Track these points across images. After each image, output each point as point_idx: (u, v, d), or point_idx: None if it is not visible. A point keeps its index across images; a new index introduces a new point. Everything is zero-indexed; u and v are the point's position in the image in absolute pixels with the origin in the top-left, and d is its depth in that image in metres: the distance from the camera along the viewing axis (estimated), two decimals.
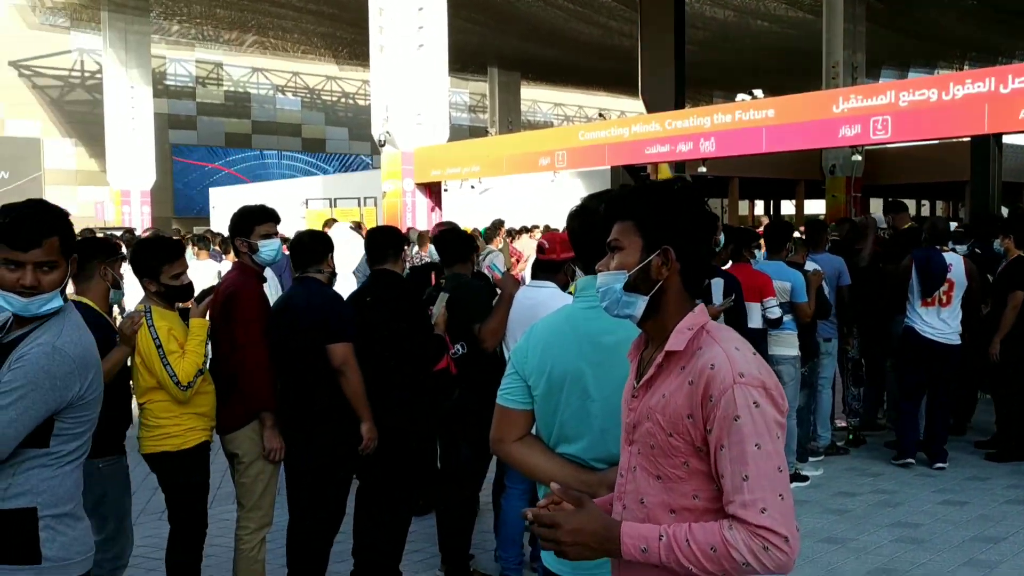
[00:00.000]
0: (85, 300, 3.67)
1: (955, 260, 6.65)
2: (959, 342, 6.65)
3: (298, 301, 4.07)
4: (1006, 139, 17.29)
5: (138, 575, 4.74)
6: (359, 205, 24.31)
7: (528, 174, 19.55)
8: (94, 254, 3.74)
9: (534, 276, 4.24)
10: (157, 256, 3.80)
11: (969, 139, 16.07)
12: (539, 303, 4.04)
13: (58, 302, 2.27)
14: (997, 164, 14.28)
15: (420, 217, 19.99)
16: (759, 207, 37.31)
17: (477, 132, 39.63)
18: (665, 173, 19.50)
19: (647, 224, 1.77)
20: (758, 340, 5.76)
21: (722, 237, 5.42)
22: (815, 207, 29.76)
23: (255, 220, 4.05)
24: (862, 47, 22.85)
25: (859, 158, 22.34)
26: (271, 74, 41.95)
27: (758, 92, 17.55)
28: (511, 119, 34.81)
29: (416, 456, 4.26)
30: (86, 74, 37.13)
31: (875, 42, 24.80)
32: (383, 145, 20.05)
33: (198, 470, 3.89)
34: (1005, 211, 12.26)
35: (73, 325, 2.34)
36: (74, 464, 2.33)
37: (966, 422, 7.68)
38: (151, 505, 5.86)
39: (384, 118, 19.69)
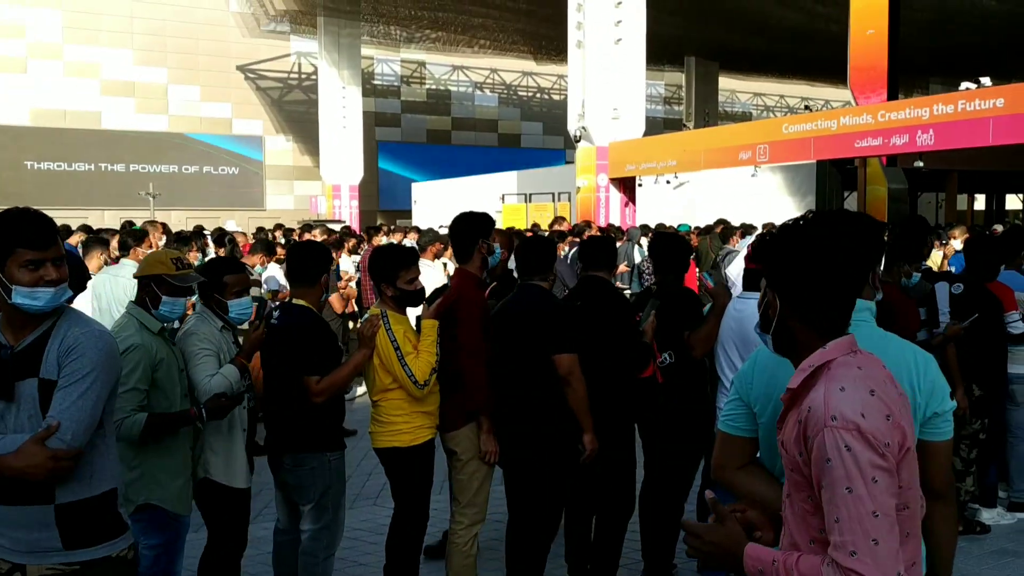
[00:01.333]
0: (304, 303, 3.95)
1: None
2: None
3: (520, 308, 4.15)
4: None
5: (354, 556, 5.05)
6: (553, 200, 24.60)
7: (727, 169, 19.03)
8: (321, 263, 4.02)
9: (745, 286, 4.13)
10: (394, 262, 4.03)
11: None
12: (746, 317, 3.94)
13: (68, 291, 2.46)
14: None
15: (613, 212, 19.95)
16: (979, 201, 34.39)
17: (672, 124, 39.04)
18: (875, 167, 18.41)
19: (765, 266, 1.93)
20: (998, 358, 5.35)
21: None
22: None
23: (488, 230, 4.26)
24: None
25: None
26: (470, 71, 43.24)
27: (985, 80, 16.15)
28: (708, 110, 33.91)
29: (617, 467, 4.30)
30: (303, 76, 39.80)
31: None
32: (578, 140, 20.13)
33: (425, 465, 4.09)
34: None
35: (84, 316, 2.55)
36: (112, 444, 2.55)
37: None
38: (366, 490, 6.23)
39: (579, 113, 19.76)
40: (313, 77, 36.95)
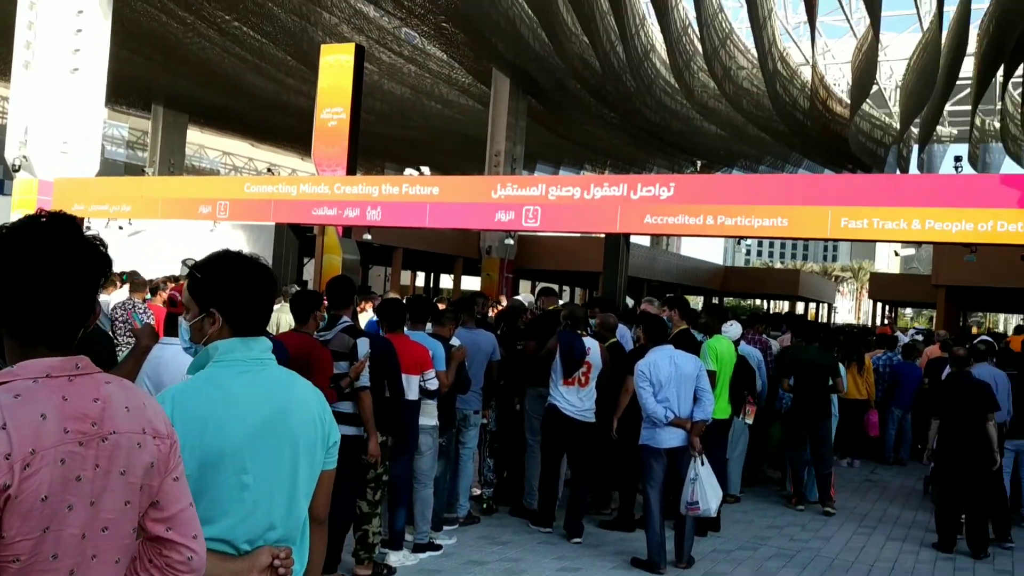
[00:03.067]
0: None
1: (592, 344, 7.27)
2: (594, 420, 7.23)
3: None
4: (633, 239, 19.62)
5: None
6: None
7: (186, 220, 18.52)
8: None
9: (166, 331, 3.97)
10: None
11: (604, 235, 17.99)
12: (163, 363, 3.79)
13: None
14: (624, 260, 16.15)
15: None
16: (420, 278, 38.58)
17: (134, 170, 36.94)
18: (331, 235, 19.49)
19: None
20: (413, 411, 5.93)
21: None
22: (472, 283, 31.41)
23: None
24: (522, 140, 24.87)
25: (512, 242, 24.04)
26: None
27: (425, 169, 18.27)
28: (173, 161, 32.81)
29: None
30: None
31: (534, 138, 27.12)
32: (17, 170, 17.98)
33: None
34: (630, 302, 13.78)
35: None
36: None
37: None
38: None
39: (22, 140, 17.71)
40: None
